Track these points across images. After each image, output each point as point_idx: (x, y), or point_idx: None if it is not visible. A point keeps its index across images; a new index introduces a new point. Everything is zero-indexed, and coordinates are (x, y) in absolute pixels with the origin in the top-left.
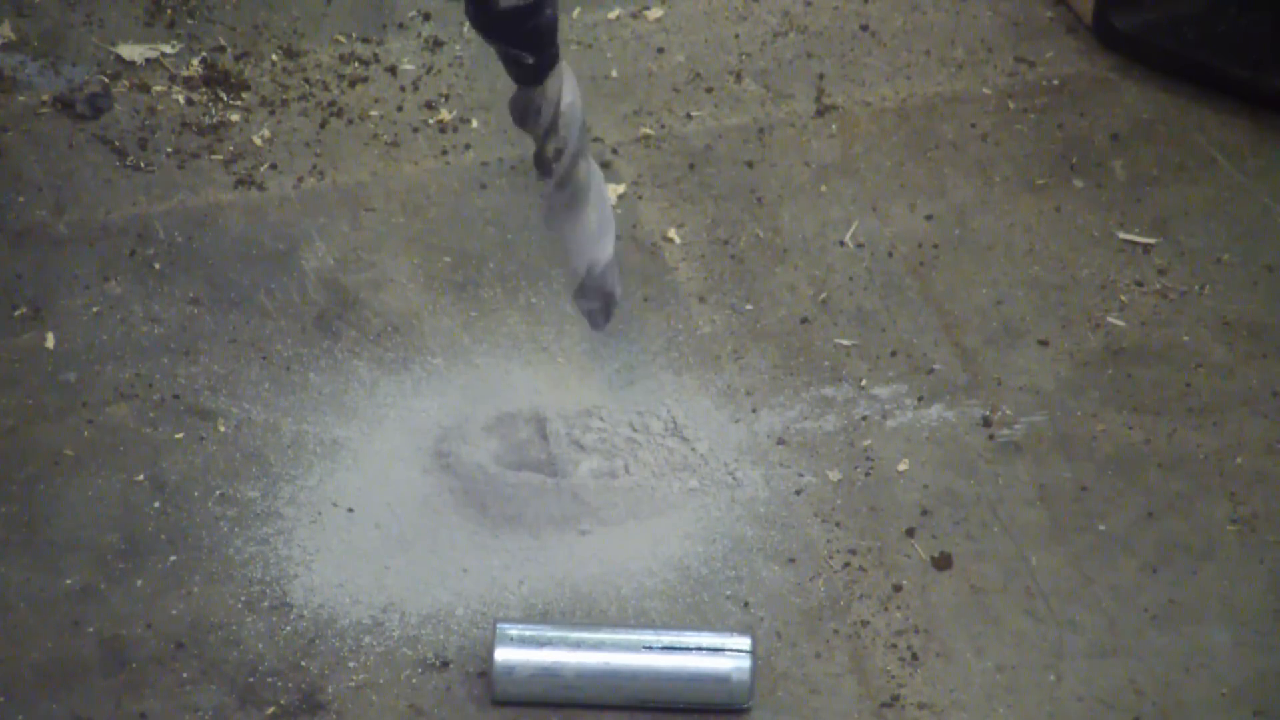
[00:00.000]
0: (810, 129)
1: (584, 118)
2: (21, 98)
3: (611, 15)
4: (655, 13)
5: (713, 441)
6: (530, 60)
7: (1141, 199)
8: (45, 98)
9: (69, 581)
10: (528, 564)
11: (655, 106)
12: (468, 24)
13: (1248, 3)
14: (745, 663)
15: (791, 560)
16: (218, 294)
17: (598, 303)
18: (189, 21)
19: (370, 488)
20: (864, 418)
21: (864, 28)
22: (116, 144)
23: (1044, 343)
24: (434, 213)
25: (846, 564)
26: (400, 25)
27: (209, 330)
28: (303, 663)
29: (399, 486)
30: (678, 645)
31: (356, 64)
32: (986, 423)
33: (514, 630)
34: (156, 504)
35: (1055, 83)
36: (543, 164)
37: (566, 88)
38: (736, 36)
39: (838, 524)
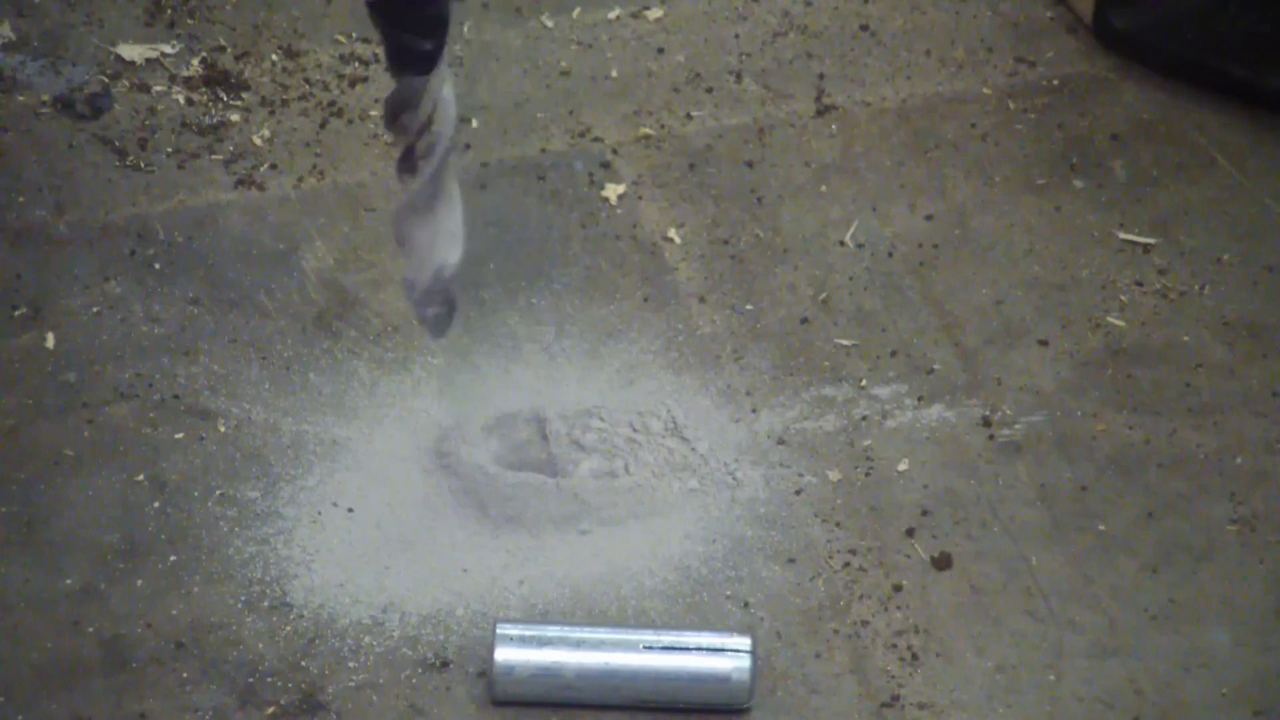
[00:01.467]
0: (810, 129)
1: (458, 115)
2: (21, 98)
3: (611, 15)
4: (655, 13)
5: (713, 441)
6: (429, 46)
7: (1141, 199)
8: (45, 98)
9: (69, 581)
10: (528, 564)
11: (655, 106)
12: (467, 24)
13: (1248, 3)
14: (745, 663)
15: (791, 560)
16: (218, 294)
17: (443, 308)
18: (189, 21)
19: (370, 488)
20: (864, 418)
21: (864, 28)
22: (116, 144)
23: (1044, 343)
24: None
25: (846, 564)
26: None
27: (209, 330)
28: (303, 663)
29: (399, 486)
30: (678, 645)
31: (356, 64)
32: (986, 423)
33: (514, 630)
34: (156, 504)
35: (1055, 83)
36: (410, 163)
37: (447, 81)
38: (736, 36)
39: (838, 524)
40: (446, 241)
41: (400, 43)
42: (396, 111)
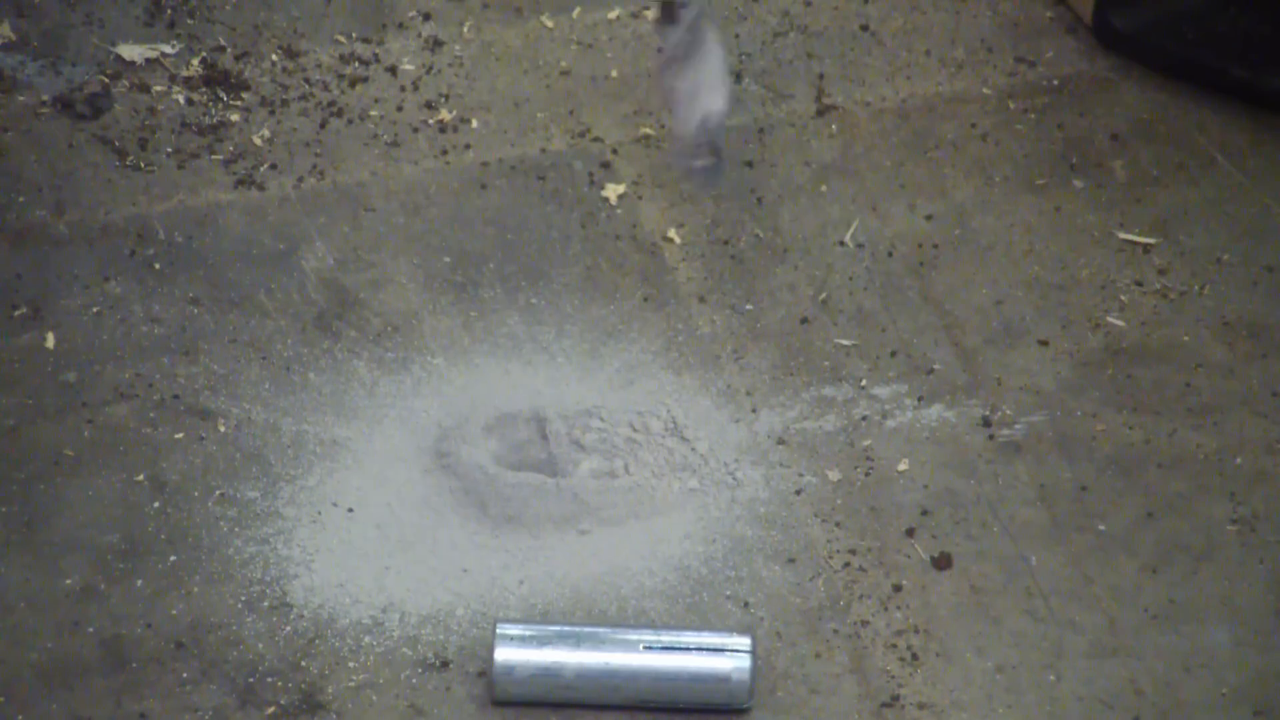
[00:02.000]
0: (810, 129)
1: None
2: (21, 98)
3: (611, 15)
4: (655, 13)
5: (713, 441)
6: None
7: (1141, 199)
8: (45, 98)
9: (69, 581)
10: (528, 564)
11: (655, 106)
12: (467, 24)
13: (1248, 3)
14: (745, 663)
15: (791, 560)
16: (218, 294)
17: (711, 159)
18: (189, 21)
19: (370, 488)
20: (864, 418)
21: (864, 28)
22: (116, 144)
23: (1044, 343)
24: (434, 213)
25: (846, 564)
26: (400, 25)
27: (209, 330)
28: (303, 663)
29: (399, 486)
30: (678, 645)
31: (356, 64)
32: (986, 423)
33: (514, 630)
34: (156, 504)
35: (1055, 83)
36: (671, 11)
37: None
38: (736, 36)
39: (838, 524)
40: (710, 89)
41: None
42: None
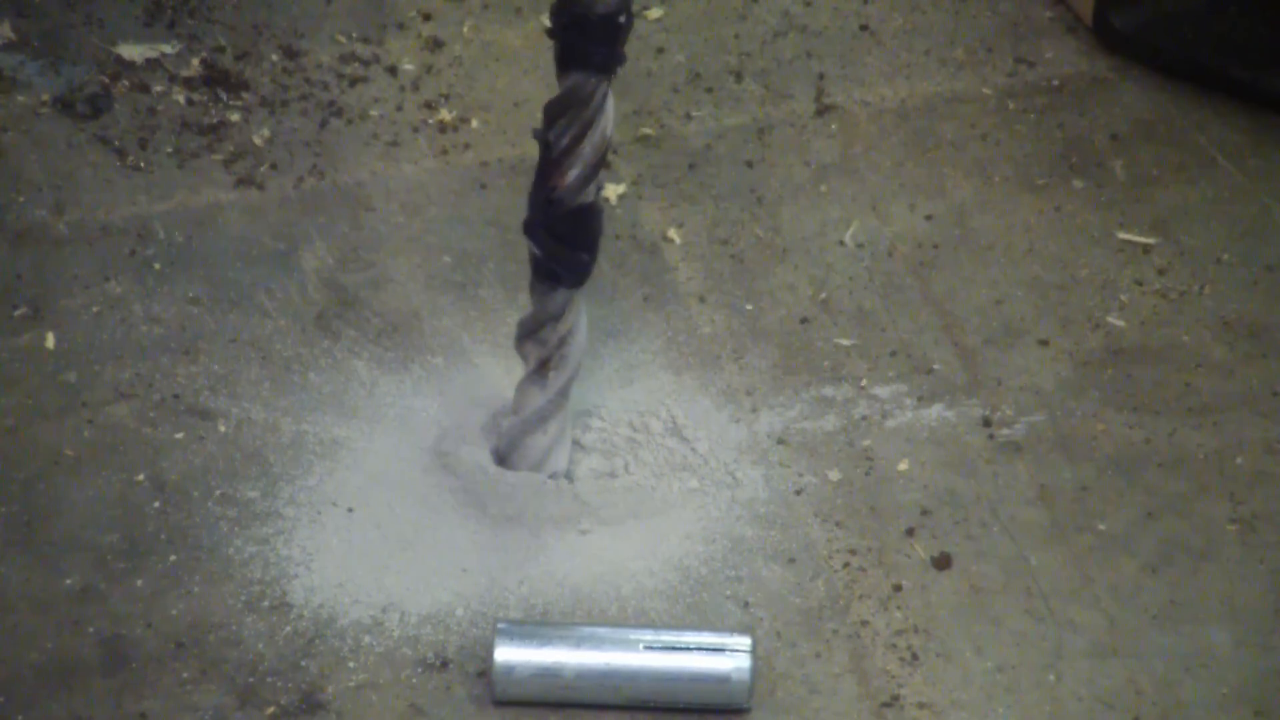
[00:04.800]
0: (810, 129)
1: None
2: (21, 98)
3: None
4: (655, 13)
5: (713, 441)
6: (586, 258)
7: (1141, 199)
8: (45, 98)
9: (69, 581)
10: (528, 564)
11: (655, 106)
12: (467, 24)
13: (1248, 3)
14: (745, 663)
15: (791, 560)
16: (218, 294)
17: None
18: (189, 21)
19: (370, 488)
20: (864, 418)
21: (864, 28)
22: (116, 144)
23: (1044, 343)
24: (434, 213)
25: (846, 564)
26: (400, 25)
27: (209, 330)
28: (303, 663)
29: (399, 486)
30: (678, 645)
31: (356, 64)
32: (986, 423)
33: (514, 630)
34: (156, 504)
35: (1055, 83)
36: (541, 376)
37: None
38: (736, 36)
39: (838, 524)
40: (560, 450)
41: (558, 256)
42: (535, 326)
